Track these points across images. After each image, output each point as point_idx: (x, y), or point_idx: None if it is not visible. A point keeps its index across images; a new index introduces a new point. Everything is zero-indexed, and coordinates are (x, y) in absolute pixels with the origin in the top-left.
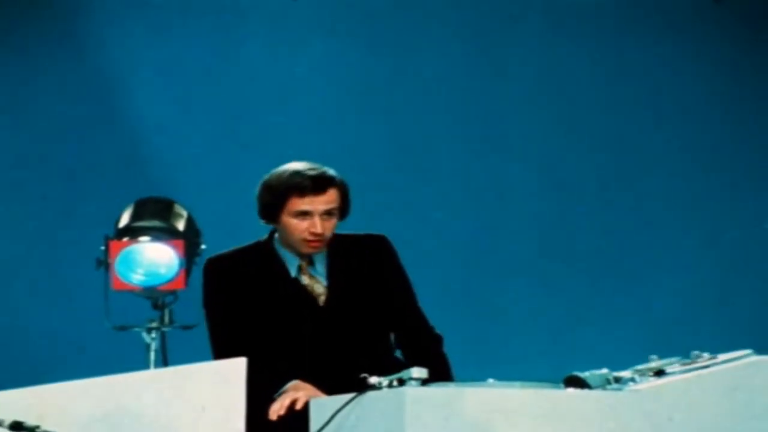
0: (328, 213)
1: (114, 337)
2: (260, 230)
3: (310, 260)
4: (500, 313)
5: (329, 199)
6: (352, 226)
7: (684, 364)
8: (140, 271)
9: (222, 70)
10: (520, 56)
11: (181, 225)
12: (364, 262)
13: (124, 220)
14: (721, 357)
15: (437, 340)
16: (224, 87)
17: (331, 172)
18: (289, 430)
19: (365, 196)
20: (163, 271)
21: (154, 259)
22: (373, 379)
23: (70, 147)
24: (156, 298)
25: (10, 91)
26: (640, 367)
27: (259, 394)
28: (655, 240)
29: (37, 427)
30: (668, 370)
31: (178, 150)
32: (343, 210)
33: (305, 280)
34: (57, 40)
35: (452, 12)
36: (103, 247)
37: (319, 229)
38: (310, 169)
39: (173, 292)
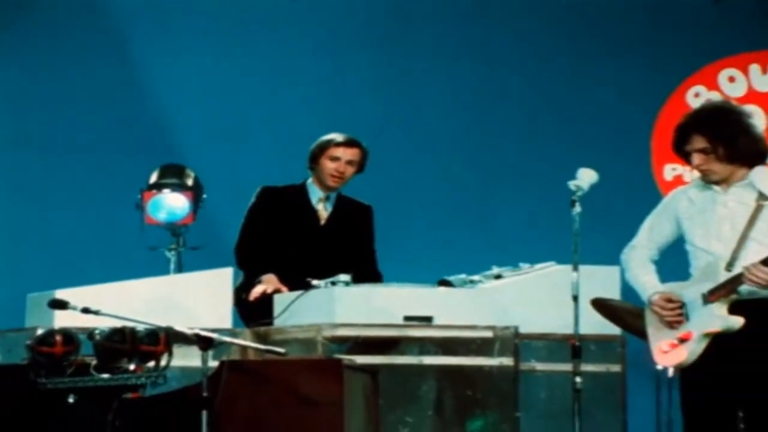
0: (349, 162)
1: (147, 255)
2: (250, 185)
3: (327, 198)
4: (407, 229)
5: (353, 153)
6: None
7: (514, 271)
8: (163, 212)
9: (226, 62)
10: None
11: (190, 182)
12: (354, 214)
13: (153, 178)
14: (537, 266)
15: (377, 273)
16: (226, 79)
17: (358, 139)
18: (260, 312)
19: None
20: (179, 212)
21: (172, 204)
22: (315, 282)
23: (116, 125)
24: (174, 229)
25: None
26: (486, 273)
27: (250, 281)
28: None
29: (99, 310)
30: (504, 275)
31: (189, 127)
32: (360, 165)
33: (319, 207)
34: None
35: None
36: (139, 196)
37: (342, 169)
38: (343, 135)
39: (185, 226)
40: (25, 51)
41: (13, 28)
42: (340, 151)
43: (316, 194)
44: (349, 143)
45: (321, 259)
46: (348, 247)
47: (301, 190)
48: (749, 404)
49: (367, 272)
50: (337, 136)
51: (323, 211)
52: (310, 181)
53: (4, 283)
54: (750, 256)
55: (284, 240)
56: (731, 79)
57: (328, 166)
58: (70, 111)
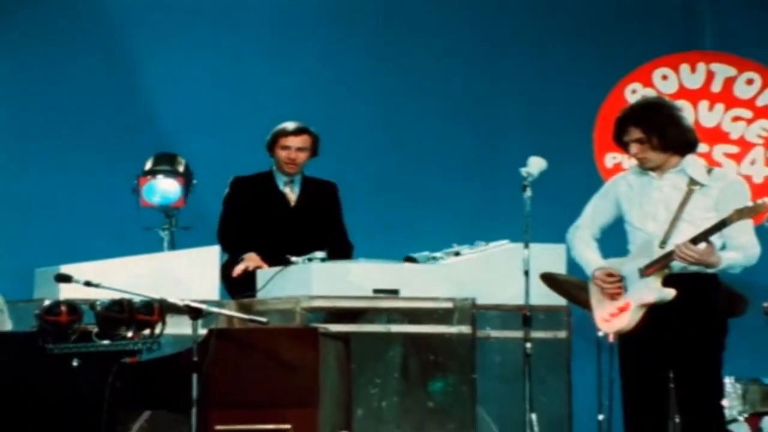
0: (299, 149)
1: (143, 234)
2: (236, 172)
3: (291, 181)
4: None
5: (302, 140)
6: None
7: (471, 249)
8: (157, 195)
9: (216, 56)
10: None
11: (181, 168)
12: (320, 192)
13: (148, 165)
14: (492, 244)
15: (348, 245)
16: (217, 72)
17: (305, 126)
18: (244, 286)
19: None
20: (171, 196)
21: (165, 188)
22: (294, 258)
23: (114, 118)
24: (167, 211)
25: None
26: (446, 250)
27: (234, 259)
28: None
29: (100, 284)
30: (462, 252)
31: (181, 119)
32: (312, 150)
33: (287, 191)
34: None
35: None
36: (135, 181)
37: (293, 156)
38: (292, 123)
39: (177, 208)
40: (24, 48)
41: (12, 24)
42: (289, 140)
43: (281, 179)
44: (297, 131)
45: (295, 237)
46: (319, 224)
47: (269, 177)
48: (679, 366)
49: (339, 244)
50: (288, 126)
51: (291, 193)
52: (275, 167)
53: (15, 258)
54: (681, 236)
55: (260, 222)
56: (664, 77)
57: (281, 154)
58: (72, 105)
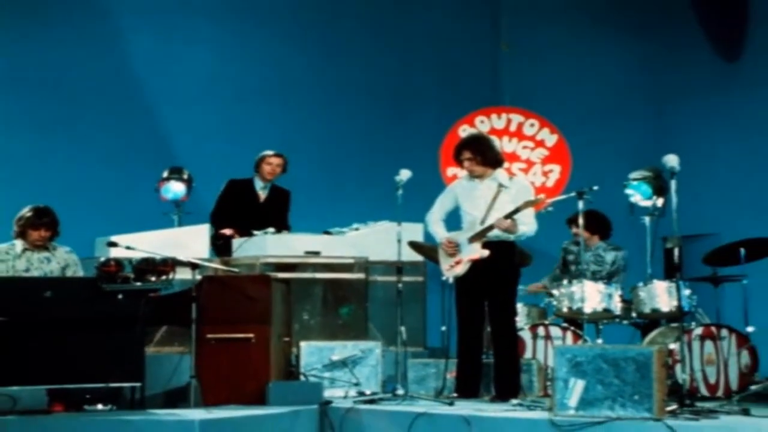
0: (277, 165)
1: (162, 218)
2: (219, 180)
3: (264, 187)
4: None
5: (279, 161)
6: None
7: (366, 226)
8: (170, 193)
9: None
10: None
11: (186, 176)
12: (280, 196)
13: (164, 174)
14: (378, 223)
15: (288, 227)
16: (216, 96)
17: (281, 153)
18: (225, 249)
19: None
20: (179, 193)
21: (175, 189)
22: (256, 232)
23: (143, 140)
24: (177, 203)
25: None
26: (349, 227)
27: (221, 232)
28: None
29: (135, 248)
30: (360, 228)
31: (186, 139)
32: (284, 168)
33: (260, 192)
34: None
35: None
36: (156, 184)
37: (272, 170)
38: (273, 151)
39: (183, 201)
40: (62, 58)
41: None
42: (272, 160)
43: (259, 184)
44: (276, 155)
45: (260, 221)
46: (275, 215)
47: (251, 182)
48: (491, 296)
49: (283, 226)
50: (269, 152)
51: (262, 194)
52: (255, 176)
53: (83, 231)
54: (492, 218)
55: (240, 210)
56: (482, 122)
57: (266, 168)
58: (118, 131)
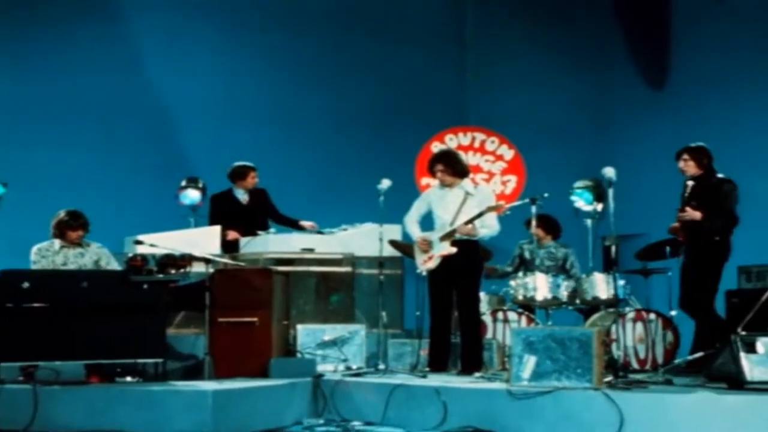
0: (256, 176)
1: (181, 220)
2: (226, 185)
3: (244, 193)
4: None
5: (256, 173)
6: None
7: (353, 227)
8: (187, 199)
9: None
10: None
11: (201, 185)
12: (259, 196)
13: (183, 183)
14: (364, 224)
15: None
16: (227, 117)
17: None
18: (233, 247)
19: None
20: (195, 200)
21: (192, 196)
22: (260, 232)
23: (166, 154)
24: (193, 208)
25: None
26: (339, 227)
27: (228, 240)
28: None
29: (158, 245)
30: (348, 228)
31: (201, 150)
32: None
33: (241, 198)
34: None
35: None
36: (176, 192)
37: (254, 181)
38: (253, 165)
39: (198, 207)
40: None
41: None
42: (255, 174)
43: (239, 192)
44: (255, 168)
45: (249, 222)
46: (261, 213)
47: (231, 192)
48: (458, 287)
49: (280, 221)
50: (250, 164)
51: (243, 199)
52: (234, 186)
53: (114, 231)
54: (460, 221)
55: (229, 218)
56: (450, 139)
57: (250, 182)
58: (144, 146)
